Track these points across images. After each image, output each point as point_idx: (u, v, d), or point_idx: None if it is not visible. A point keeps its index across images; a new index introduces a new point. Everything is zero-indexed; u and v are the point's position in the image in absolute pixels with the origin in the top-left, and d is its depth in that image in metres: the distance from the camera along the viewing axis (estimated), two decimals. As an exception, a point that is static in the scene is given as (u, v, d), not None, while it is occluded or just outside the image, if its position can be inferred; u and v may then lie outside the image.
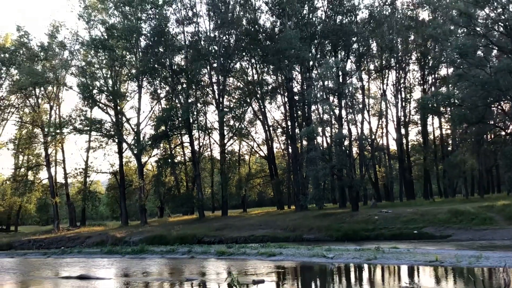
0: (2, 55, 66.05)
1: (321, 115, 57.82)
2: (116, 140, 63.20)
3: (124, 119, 63.16)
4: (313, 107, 57.27)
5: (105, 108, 62.68)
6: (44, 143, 65.51)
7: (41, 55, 64.57)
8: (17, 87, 65.19)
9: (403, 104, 64.70)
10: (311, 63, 58.02)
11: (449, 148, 63.79)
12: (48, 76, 62.76)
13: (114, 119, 62.16)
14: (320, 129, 55.68)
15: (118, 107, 62.13)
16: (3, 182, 76.36)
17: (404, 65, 63.24)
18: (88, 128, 62.63)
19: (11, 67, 67.10)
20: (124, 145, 62.95)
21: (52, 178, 65.43)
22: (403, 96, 64.80)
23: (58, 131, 62.70)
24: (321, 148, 55.35)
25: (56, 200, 64.83)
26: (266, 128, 63.79)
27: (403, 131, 64.36)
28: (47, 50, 64.15)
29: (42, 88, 65.48)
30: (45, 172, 67.24)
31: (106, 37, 60.02)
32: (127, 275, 27.27)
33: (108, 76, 62.93)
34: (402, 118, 64.25)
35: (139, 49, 61.11)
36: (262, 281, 20.66)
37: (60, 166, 67.70)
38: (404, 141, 64.79)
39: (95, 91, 61.14)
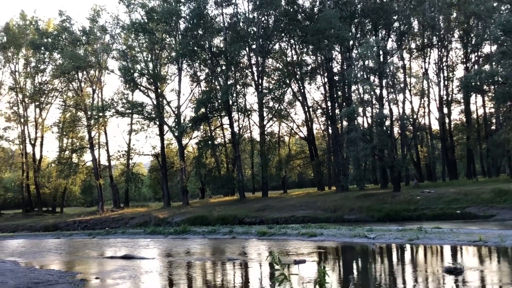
0: (45, 40, 70.69)
1: (362, 95, 57.54)
2: (157, 123, 66.54)
3: (164, 101, 66.60)
4: (353, 87, 58.20)
5: (146, 91, 66.83)
6: (87, 126, 70.01)
7: (83, 40, 68.94)
8: (60, 71, 70.11)
9: (446, 83, 65.51)
10: (351, 42, 59.07)
11: (493, 127, 64.05)
12: (90, 60, 67.08)
13: (155, 102, 65.85)
14: (360, 109, 56.35)
15: (159, 90, 65.85)
16: (48, 164, 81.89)
17: (446, 43, 63.86)
18: (130, 111, 66.36)
19: (54, 52, 72.14)
20: (165, 128, 66.33)
21: (95, 161, 70.01)
22: (445, 74, 65.60)
23: (100, 114, 66.71)
24: (361, 128, 56.05)
25: (100, 182, 69.15)
26: (306, 109, 66.02)
27: (445, 110, 65.14)
28: (88, 34, 68.41)
29: (84, 72, 70.14)
30: (89, 154, 72.28)
31: (146, 20, 63.51)
32: (170, 255, 29.42)
33: (149, 59, 66.50)
34: (445, 97, 65.08)
35: (179, 32, 64.38)
36: (304, 261, 21.31)
37: (104, 148, 72.72)
38: (447, 120, 65.54)
39: (136, 75, 65.26)
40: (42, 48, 71.46)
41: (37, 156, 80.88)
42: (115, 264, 25.72)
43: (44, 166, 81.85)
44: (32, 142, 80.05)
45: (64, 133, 77.31)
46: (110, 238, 43.92)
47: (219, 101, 62.54)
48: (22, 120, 79.79)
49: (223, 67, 63.36)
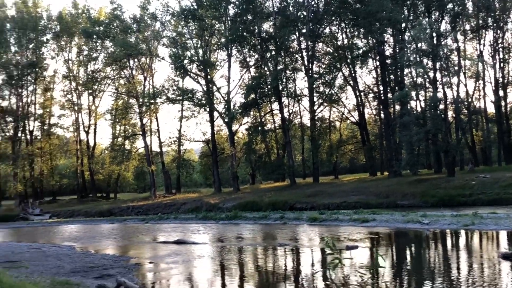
0: (97, 28, 72.17)
1: (415, 79, 56.81)
2: (208, 109, 67.23)
3: (214, 88, 67.31)
4: (406, 71, 56.97)
5: (196, 77, 67.67)
6: (139, 113, 71.52)
7: (134, 27, 70.17)
8: (112, 59, 71.87)
9: (501, 65, 63.85)
10: (403, 25, 57.90)
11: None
12: (141, 48, 68.36)
13: (205, 88, 66.51)
14: (413, 93, 55.39)
15: (209, 76, 66.54)
16: (102, 151, 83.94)
17: (502, 24, 62.33)
18: (180, 98, 67.26)
19: (105, 40, 73.57)
20: (215, 114, 67.08)
21: (147, 147, 71.40)
22: (501, 56, 64.02)
23: (152, 101, 68.02)
24: (414, 112, 55.44)
25: (152, 168, 70.47)
26: (357, 94, 65.54)
27: (501, 93, 63.54)
28: (139, 22, 69.62)
29: (135, 60, 71.53)
30: (141, 141, 73.98)
31: (195, 6, 64.13)
32: (222, 240, 29.87)
33: (198, 45, 67.24)
34: (501, 79, 63.55)
35: (228, 18, 64.73)
36: (356, 247, 21.32)
37: (155, 135, 74.19)
38: (503, 103, 63.93)
39: (186, 61, 66.10)
40: (94, 36, 72.91)
41: (91, 143, 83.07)
42: (168, 249, 26.21)
43: (97, 153, 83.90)
44: (86, 129, 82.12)
45: (117, 120, 79.25)
46: (163, 223, 44.96)
47: (269, 86, 62.70)
48: (76, 107, 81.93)
49: (273, 52, 63.37)
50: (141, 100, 70.14)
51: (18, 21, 77.78)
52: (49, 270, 19.99)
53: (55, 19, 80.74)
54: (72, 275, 18.81)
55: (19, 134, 79.94)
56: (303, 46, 64.18)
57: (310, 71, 63.16)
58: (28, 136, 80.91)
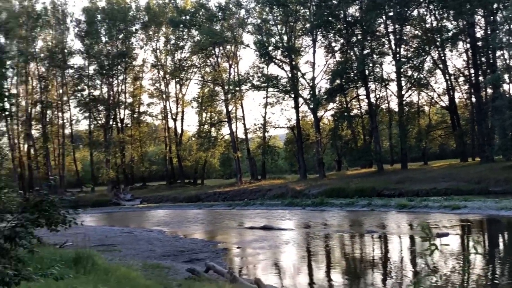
0: (183, 18, 73.52)
1: (508, 61, 55.58)
2: (292, 95, 67.35)
3: (299, 74, 67.21)
4: (498, 53, 55.28)
5: (280, 64, 67.80)
6: (224, 100, 72.55)
7: (219, 15, 71.03)
8: (198, 48, 73.26)
9: None
10: (495, 5, 56.52)
11: None
12: (226, 35, 69.23)
13: (289, 75, 66.64)
14: (506, 76, 53.27)
15: (293, 63, 66.56)
16: (189, 138, 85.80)
17: None
18: (265, 85, 67.78)
19: (192, 29, 74.79)
20: (300, 100, 67.08)
21: (233, 134, 72.41)
22: None
23: (237, 88, 68.78)
24: (508, 96, 53.26)
25: (237, 155, 71.44)
26: (447, 77, 63.80)
27: None
28: (224, 10, 70.38)
29: (221, 47, 72.36)
30: (227, 128, 74.98)
31: (280, -8, 64.02)
32: (308, 226, 30.37)
33: (283, 32, 67.26)
34: None
35: (313, 3, 64.34)
36: (446, 234, 21.17)
37: (240, 122, 75.14)
38: None
39: (270, 48, 66.34)
40: (181, 25, 74.44)
41: (179, 130, 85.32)
42: (255, 234, 26.85)
43: (185, 140, 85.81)
44: (174, 117, 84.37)
45: (203, 107, 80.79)
46: (249, 209, 45.74)
47: (355, 71, 62.09)
48: (164, 96, 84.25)
49: (359, 37, 62.62)
50: (226, 87, 71.13)
51: (108, 12, 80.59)
52: (141, 254, 20.81)
53: (143, 10, 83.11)
54: (163, 258, 19.50)
55: (111, 122, 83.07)
56: (390, 29, 62.95)
57: (397, 55, 61.85)
58: (119, 124, 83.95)
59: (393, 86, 65.96)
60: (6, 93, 8.81)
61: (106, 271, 12.98)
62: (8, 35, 42.00)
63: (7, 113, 10.37)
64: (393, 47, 62.54)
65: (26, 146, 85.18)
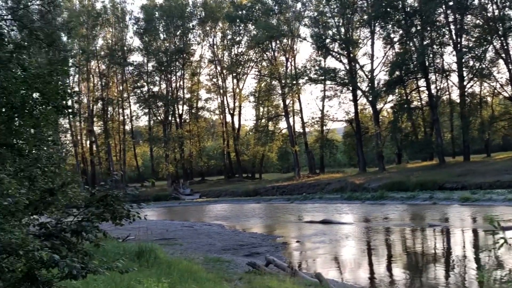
0: (239, 12, 73.75)
1: None
2: (350, 88, 66.74)
3: (357, 66, 66.57)
4: None
5: (338, 56, 67.38)
6: (281, 94, 72.57)
7: (275, 9, 71.05)
8: (254, 42, 73.34)
9: None
10: None
11: None
12: (282, 29, 69.13)
13: (347, 67, 66.12)
14: None
15: (351, 55, 65.91)
16: (246, 132, 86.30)
17: None
18: (323, 78, 67.34)
19: (248, 23, 75.03)
20: (359, 93, 66.40)
21: (290, 128, 72.29)
22: None
23: (294, 82, 68.57)
24: None
25: (295, 149, 71.32)
26: (510, 67, 61.89)
27: None
28: (280, 3, 70.42)
29: (277, 41, 72.17)
30: (284, 122, 74.69)
31: (337, -16, 63.54)
32: (368, 220, 30.33)
33: (340, 24, 66.76)
34: None
35: (371, -6, 63.53)
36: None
37: (298, 115, 75.15)
38: None
39: (328, 40, 66.07)
40: (237, 20, 74.81)
41: (236, 125, 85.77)
42: (314, 229, 26.87)
43: (242, 134, 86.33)
44: (231, 112, 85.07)
45: (260, 102, 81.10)
46: (307, 203, 45.80)
47: (415, 62, 61.03)
48: (221, 91, 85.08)
49: (418, 27, 61.45)
50: (283, 81, 71.11)
51: (166, 9, 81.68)
52: (201, 248, 21.07)
53: (200, 5, 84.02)
54: (223, 252, 19.68)
55: (170, 118, 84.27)
56: (450, 19, 61.81)
57: (458, 45, 60.60)
58: (178, 120, 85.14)
59: (454, 77, 64.84)
60: (69, 91, 9.05)
61: (169, 265, 13.22)
62: (70, 34, 43.16)
63: (70, 110, 10.64)
64: (454, 37, 61.33)
65: (88, 142, 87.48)
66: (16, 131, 8.72)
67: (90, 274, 6.51)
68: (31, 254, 5.34)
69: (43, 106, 8.48)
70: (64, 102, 9.28)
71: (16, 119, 8.50)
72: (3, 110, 8.40)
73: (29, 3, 33.15)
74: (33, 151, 9.15)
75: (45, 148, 9.34)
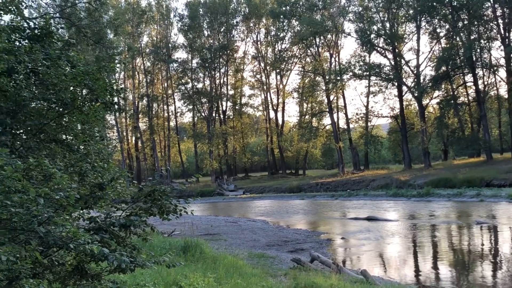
0: (283, 8, 73.81)
1: None
2: (396, 84, 65.99)
3: (402, 61, 65.72)
4: None
5: (383, 52, 66.67)
6: (325, 90, 72.08)
7: (320, 4, 70.76)
8: (298, 38, 73.11)
9: None
10: None
11: None
12: (326, 25, 68.52)
13: (392, 63, 65.36)
14: None
15: (396, 50, 65.09)
16: (290, 129, 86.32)
17: None
18: (367, 73, 66.80)
19: (292, 19, 74.98)
20: (404, 88, 65.68)
21: (334, 124, 71.89)
22: None
23: (338, 78, 68.10)
24: None
25: (339, 145, 70.90)
26: (561, 61, 60.33)
27: None
28: (325, -1, 69.78)
29: (321, 37, 71.72)
30: (328, 118, 74.32)
31: (382, -21, 62.91)
32: (413, 217, 29.91)
33: (385, 19, 66.00)
34: None
35: (416, -12, 62.61)
36: None
37: (342, 112, 74.55)
38: None
39: (372, 36, 65.42)
40: (281, 16, 74.81)
41: (280, 121, 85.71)
42: (359, 225, 26.84)
43: (286, 131, 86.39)
44: (275, 108, 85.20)
45: (304, 98, 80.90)
46: (352, 200, 45.68)
47: (462, 57, 59.98)
48: (264, 87, 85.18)
49: (465, 22, 60.28)
50: (327, 77, 70.67)
51: (210, 6, 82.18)
52: (245, 243, 21.15)
53: (244, 2, 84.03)
54: (267, 248, 19.72)
55: (213, 114, 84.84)
56: (498, 13, 60.31)
57: (506, 40, 59.24)
58: (221, 116, 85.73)
59: (502, 72, 63.45)
60: (115, 87, 9.16)
61: (214, 260, 13.32)
62: (117, 31, 43.81)
63: (117, 106, 10.78)
64: (502, 31, 59.90)
65: (134, 138, 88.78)
66: (65, 127, 8.89)
67: (138, 268, 6.60)
68: (82, 247, 5.43)
69: (92, 103, 8.61)
70: (112, 98, 9.41)
71: (66, 115, 8.64)
72: (54, 106, 8.58)
73: (76, 1, 33.81)
74: (82, 147, 9.31)
75: (93, 144, 9.49)
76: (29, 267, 5.53)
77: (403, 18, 66.87)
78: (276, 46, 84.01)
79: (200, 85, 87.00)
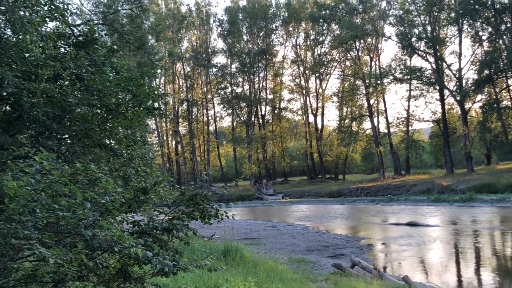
0: (323, 12, 73.56)
1: None
2: (437, 87, 65.15)
3: (444, 65, 64.85)
4: None
5: (424, 55, 65.89)
6: (366, 94, 71.61)
7: (360, 8, 70.19)
8: (338, 42, 72.78)
9: None
10: None
11: None
12: (367, 28, 68.18)
13: (434, 66, 64.54)
14: None
15: (438, 54, 64.24)
16: (329, 133, 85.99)
17: None
18: (408, 77, 66.05)
19: (331, 23, 74.62)
20: (446, 92, 64.75)
21: (375, 128, 71.26)
22: None
23: (378, 81, 67.59)
24: None
25: (380, 149, 70.23)
26: None
27: None
28: (365, 2, 69.43)
29: (361, 41, 71.29)
30: (368, 122, 73.74)
31: (423, -18, 62.24)
32: (455, 223, 29.48)
33: (426, 22, 65.26)
34: None
35: (458, -9, 61.81)
36: None
37: (382, 116, 73.90)
38: None
39: (413, 39, 64.73)
40: (321, 20, 74.62)
41: (319, 125, 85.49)
42: (400, 231, 26.57)
43: (325, 135, 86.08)
44: (314, 112, 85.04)
45: (344, 102, 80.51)
46: (392, 205, 45.27)
47: (505, 61, 58.77)
48: (304, 91, 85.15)
49: (508, 24, 59.17)
50: (367, 81, 70.22)
51: (249, 11, 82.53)
52: (285, 248, 21.15)
53: (283, 6, 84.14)
54: (307, 253, 19.68)
55: (252, 119, 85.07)
56: (543, 15, 59.02)
57: (552, 42, 57.92)
58: (260, 120, 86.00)
59: (547, 75, 61.85)
60: (158, 92, 9.32)
61: (254, 264, 13.35)
62: (158, 37, 44.47)
63: (159, 111, 10.93)
64: (547, 34, 58.56)
65: (174, 142, 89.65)
66: (110, 132, 9.06)
67: (180, 271, 6.67)
68: (127, 250, 5.52)
69: (135, 108, 8.76)
70: (154, 103, 9.55)
71: (110, 120, 8.81)
72: (98, 111, 8.76)
73: (119, 8, 34.36)
74: (125, 151, 9.47)
75: (137, 148, 9.64)
76: (75, 269, 5.63)
77: (445, 21, 65.97)
78: (316, 50, 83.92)
79: (239, 90, 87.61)
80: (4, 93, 8.40)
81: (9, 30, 8.43)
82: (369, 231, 28.17)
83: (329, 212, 42.94)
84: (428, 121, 71.49)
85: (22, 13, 7.89)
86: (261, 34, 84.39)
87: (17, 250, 5.27)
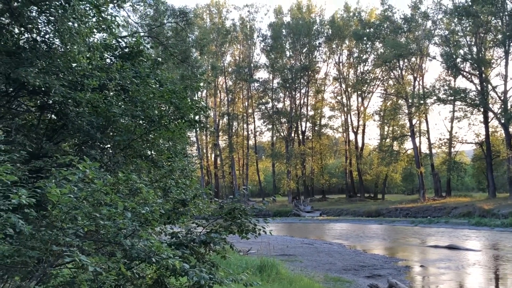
0: (367, 30, 73.37)
1: None
2: (481, 109, 64.10)
3: (489, 87, 63.77)
4: None
5: (469, 76, 64.89)
6: (408, 114, 70.75)
7: (404, 27, 69.63)
8: (381, 60, 72.29)
9: None
10: None
11: None
12: (411, 48, 67.52)
13: (478, 88, 63.50)
14: None
15: (483, 75, 63.22)
16: (370, 152, 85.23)
17: None
18: (452, 98, 65.03)
19: (375, 41, 74.27)
20: (490, 115, 63.58)
21: (416, 148, 70.33)
22: None
23: (422, 101, 66.84)
24: None
25: (421, 170, 69.20)
26: None
27: None
28: (410, 21, 68.84)
29: (405, 60, 70.65)
30: (410, 142, 72.80)
31: (470, 3, 61.42)
32: (497, 248, 28.77)
33: (472, 43, 64.33)
34: None
35: (506, 13, 60.83)
36: None
37: (424, 136, 72.63)
38: None
39: (458, 60, 63.70)
40: (365, 38, 74.36)
41: (359, 144, 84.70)
42: (439, 254, 26.19)
43: (365, 153, 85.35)
44: (355, 130, 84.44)
45: (385, 121, 79.66)
46: (432, 227, 44.69)
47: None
48: (345, 109, 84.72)
49: (557, 47, 58.03)
50: (410, 100, 69.52)
51: (293, 27, 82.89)
52: (321, 266, 21.00)
53: (327, 23, 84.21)
54: (343, 272, 19.49)
55: (292, 134, 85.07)
56: None
57: None
58: (300, 136, 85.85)
59: None
60: (201, 105, 9.40)
61: (290, 281, 13.28)
62: (202, 51, 45.06)
63: (201, 124, 11.02)
64: None
65: (213, 155, 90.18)
66: (151, 143, 9.17)
67: (216, 285, 6.67)
68: (165, 261, 5.55)
69: (178, 120, 8.85)
70: (196, 116, 9.63)
71: (152, 132, 8.92)
72: (142, 122, 8.88)
73: (165, 21, 34.89)
74: (166, 163, 9.56)
75: (178, 160, 9.73)
76: (112, 278, 5.69)
77: (491, 42, 64.98)
78: (359, 68, 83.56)
79: (280, 105, 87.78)
80: (50, 101, 8.59)
81: (57, 40, 8.63)
82: (407, 253, 27.77)
83: (367, 232, 42.52)
84: (471, 143, 70.31)
85: (70, 24, 8.08)
86: (304, 50, 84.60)
87: (56, 257, 5.36)
